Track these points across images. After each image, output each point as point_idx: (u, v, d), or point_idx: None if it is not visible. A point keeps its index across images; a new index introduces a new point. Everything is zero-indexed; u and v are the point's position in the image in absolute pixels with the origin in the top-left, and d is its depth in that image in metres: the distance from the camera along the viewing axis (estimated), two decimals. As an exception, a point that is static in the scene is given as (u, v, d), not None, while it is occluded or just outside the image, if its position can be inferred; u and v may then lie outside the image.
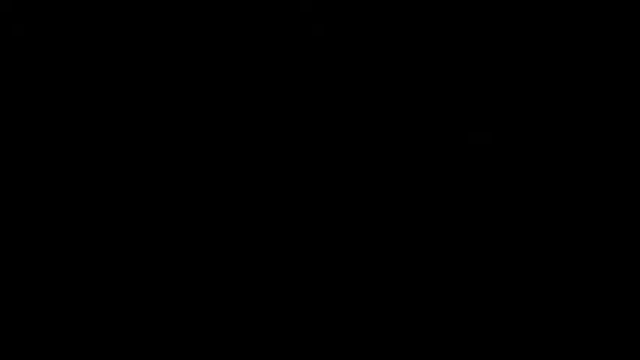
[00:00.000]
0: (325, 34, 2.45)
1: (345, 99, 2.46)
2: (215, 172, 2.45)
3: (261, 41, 2.47)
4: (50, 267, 2.43)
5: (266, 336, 2.43)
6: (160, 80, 2.46)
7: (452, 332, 2.43)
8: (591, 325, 2.42)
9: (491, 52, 2.46)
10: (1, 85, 2.45)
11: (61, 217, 2.43)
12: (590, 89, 2.46)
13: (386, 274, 2.45)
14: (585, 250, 2.44)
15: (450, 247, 2.44)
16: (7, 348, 2.40)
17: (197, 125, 2.46)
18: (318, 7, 2.46)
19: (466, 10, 2.47)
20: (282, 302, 2.44)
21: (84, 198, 2.44)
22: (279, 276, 2.45)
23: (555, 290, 2.43)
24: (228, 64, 2.47)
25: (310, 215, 2.45)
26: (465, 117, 2.45)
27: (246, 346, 2.43)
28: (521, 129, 2.45)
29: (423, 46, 2.47)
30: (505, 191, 2.45)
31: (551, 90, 2.46)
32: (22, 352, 2.41)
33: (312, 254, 2.45)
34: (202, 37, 2.47)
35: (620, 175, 2.44)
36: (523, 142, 2.45)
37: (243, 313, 2.44)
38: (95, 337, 2.42)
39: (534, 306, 2.43)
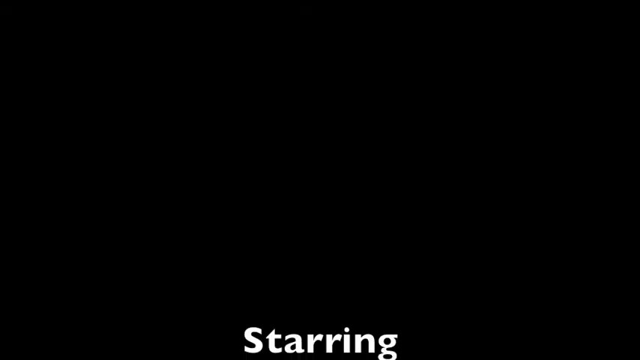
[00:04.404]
0: (313, 14, 2.46)
1: (338, 91, 2.45)
2: (207, 160, 2.45)
3: (249, 21, 2.47)
4: (50, 267, 2.45)
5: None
6: (156, 72, 2.48)
7: (451, 332, 2.40)
8: (590, 324, 2.38)
9: (491, 52, 2.45)
10: (1, 85, 2.49)
11: (60, 216, 2.45)
12: (589, 89, 2.44)
13: (385, 274, 2.43)
14: (584, 250, 2.40)
15: (450, 247, 2.42)
16: (7, 348, 2.42)
17: (187, 106, 2.47)
18: None
19: (466, 9, 2.46)
20: (282, 302, 2.44)
21: (82, 196, 2.46)
22: (278, 276, 2.44)
23: (555, 290, 2.40)
24: (217, 47, 2.48)
25: (308, 214, 2.44)
26: (465, 117, 2.44)
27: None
28: (521, 129, 2.43)
29: (423, 45, 2.46)
30: (505, 191, 2.42)
31: (550, 90, 2.44)
32: (22, 352, 2.42)
33: (310, 254, 2.44)
34: (191, 23, 2.49)
35: (620, 175, 2.41)
36: (523, 142, 2.43)
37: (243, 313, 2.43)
38: (95, 337, 2.43)
39: (533, 305, 2.40)
